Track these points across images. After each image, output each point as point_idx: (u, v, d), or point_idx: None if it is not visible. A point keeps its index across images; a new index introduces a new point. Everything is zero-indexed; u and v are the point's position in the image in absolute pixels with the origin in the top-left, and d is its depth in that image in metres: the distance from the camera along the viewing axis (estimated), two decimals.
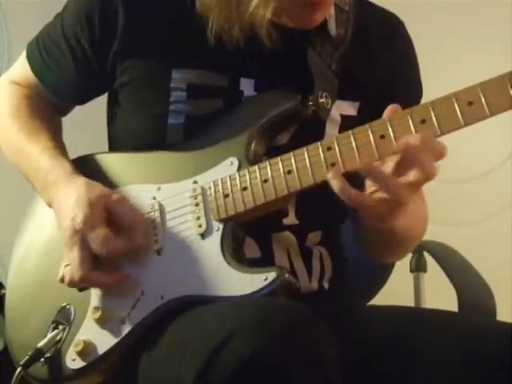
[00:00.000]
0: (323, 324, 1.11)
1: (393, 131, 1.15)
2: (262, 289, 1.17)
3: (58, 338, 1.29)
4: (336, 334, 1.12)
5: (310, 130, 1.33)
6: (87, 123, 2.03)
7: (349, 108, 1.40)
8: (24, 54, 1.52)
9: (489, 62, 2.47)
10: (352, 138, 1.18)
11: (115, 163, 1.40)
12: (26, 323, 1.36)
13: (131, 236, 1.26)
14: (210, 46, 1.33)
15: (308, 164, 1.20)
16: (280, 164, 1.22)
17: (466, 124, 1.12)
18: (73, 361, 1.26)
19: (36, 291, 1.37)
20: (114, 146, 1.48)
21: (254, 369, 1.02)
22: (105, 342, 1.25)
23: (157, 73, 1.36)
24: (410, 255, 1.91)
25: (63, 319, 1.31)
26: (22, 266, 1.42)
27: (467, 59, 2.74)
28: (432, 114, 1.13)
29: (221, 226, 1.24)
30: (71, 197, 1.29)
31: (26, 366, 1.27)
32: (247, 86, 1.35)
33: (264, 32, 1.32)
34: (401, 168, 1.15)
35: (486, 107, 1.10)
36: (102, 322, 1.26)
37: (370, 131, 1.17)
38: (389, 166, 1.16)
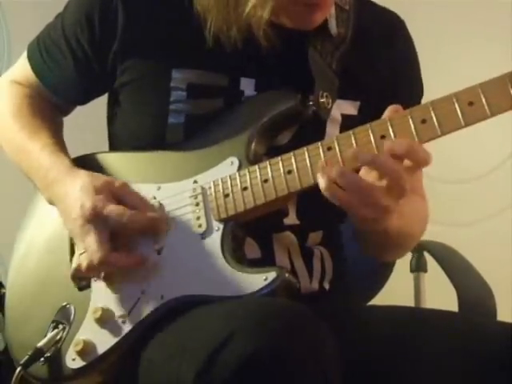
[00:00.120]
0: (323, 324, 1.11)
1: (393, 131, 1.15)
2: (261, 289, 1.17)
3: (58, 337, 1.29)
4: (336, 334, 1.11)
5: (310, 130, 1.33)
6: (87, 123, 2.03)
7: (349, 107, 1.40)
8: (25, 54, 1.52)
9: (489, 61, 2.47)
10: (352, 138, 1.18)
11: (115, 163, 1.40)
12: (26, 322, 1.36)
13: (144, 213, 1.27)
14: (209, 47, 1.33)
15: (308, 164, 1.20)
16: (280, 164, 1.22)
17: (467, 124, 1.12)
18: (73, 360, 1.26)
19: (36, 290, 1.37)
20: (115, 146, 1.48)
21: (253, 369, 1.02)
22: (105, 341, 1.25)
23: (157, 73, 1.36)
24: (409, 255, 1.91)
25: (63, 318, 1.31)
26: (22, 264, 1.42)
27: (468, 59, 2.74)
28: (432, 114, 1.13)
29: (221, 226, 1.24)
30: (75, 188, 1.29)
31: (25, 365, 1.27)
32: (248, 86, 1.35)
33: (261, 33, 1.32)
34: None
35: (486, 107, 1.10)
36: (102, 322, 1.26)
37: (370, 131, 1.16)
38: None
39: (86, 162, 1.41)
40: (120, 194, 1.28)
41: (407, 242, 1.44)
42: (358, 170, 1.17)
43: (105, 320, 1.26)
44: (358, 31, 1.41)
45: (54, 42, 1.46)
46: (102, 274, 1.28)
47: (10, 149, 1.49)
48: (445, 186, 2.65)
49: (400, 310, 1.36)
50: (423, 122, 1.13)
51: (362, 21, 1.43)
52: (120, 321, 1.25)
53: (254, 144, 1.28)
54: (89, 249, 1.25)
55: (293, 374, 1.03)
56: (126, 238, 1.27)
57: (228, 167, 1.27)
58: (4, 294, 1.45)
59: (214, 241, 1.24)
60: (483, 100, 1.10)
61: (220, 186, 1.26)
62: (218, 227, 1.25)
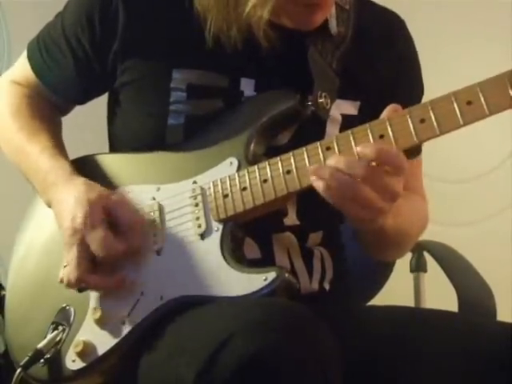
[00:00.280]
0: (323, 324, 1.11)
1: (392, 131, 1.15)
2: (261, 289, 1.17)
3: (58, 338, 1.29)
4: (336, 334, 1.11)
5: (310, 130, 1.33)
6: (87, 123, 2.03)
7: (349, 107, 1.40)
8: (24, 53, 1.52)
9: (489, 61, 2.47)
10: (351, 138, 1.17)
11: (115, 164, 1.40)
12: (26, 324, 1.36)
13: (130, 237, 1.26)
14: (209, 47, 1.33)
15: (307, 164, 1.20)
16: (279, 164, 1.22)
17: (466, 123, 1.11)
18: (73, 362, 1.26)
19: (36, 291, 1.37)
20: (115, 146, 1.48)
21: (254, 369, 1.02)
22: (104, 342, 1.25)
23: (157, 73, 1.36)
24: (409, 255, 1.91)
25: (63, 320, 1.30)
26: (22, 265, 1.42)
27: (468, 59, 2.74)
28: (431, 114, 1.13)
29: (220, 227, 1.24)
30: (71, 197, 1.29)
31: (25, 366, 1.27)
32: (247, 86, 1.35)
33: (261, 33, 1.32)
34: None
35: (485, 106, 1.10)
36: (101, 323, 1.26)
37: (369, 131, 1.16)
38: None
39: (86, 163, 1.41)
40: (112, 211, 1.27)
41: (406, 241, 1.44)
42: None
43: (104, 321, 1.26)
44: (358, 31, 1.41)
45: (54, 41, 1.46)
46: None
47: (8, 149, 1.49)
48: (445, 185, 2.65)
49: (400, 310, 1.36)
50: (422, 121, 1.13)
51: (363, 20, 1.43)
52: (120, 322, 1.25)
53: (253, 144, 1.28)
54: (69, 264, 1.26)
55: (293, 374, 1.03)
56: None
57: (227, 167, 1.27)
58: (4, 295, 1.45)
59: (214, 241, 1.24)
60: (482, 99, 1.10)
61: (219, 187, 1.26)
62: (217, 227, 1.24)
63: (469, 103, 1.11)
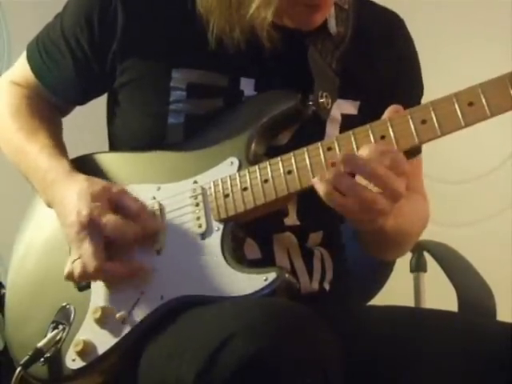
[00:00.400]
0: (324, 324, 1.11)
1: (393, 131, 1.15)
2: (262, 289, 1.17)
3: (58, 337, 1.29)
4: (336, 334, 1.12)
5: (310, 130, 1.33)
6: (87, 123, 2.03)
7: (349, 107, 1.40)
8: (24, 54, 1.52)
9: (489, 61, 2.47)
10: (352, 139, 1.18)
11: (115, 163, 1.40)
12: (26, 323, 1.36)
13: (142, 221, 1.26)
14: (211, 48, 1.33)
15: (308, 164, 1.20)
16: (280, 164, 1.22)
17: (467, 125, 1.11)
18: (73, 361, 1.26)
19: (36, 290, 1.37)
20: (115, 146, 1.48)
21: (254, 369, 1.02)
22: (105, 342, 1.25)
23: (156, 72, 1.36)
24: (409, 255, 1.91)
25: (63, 319, 1.31)
26: (22, 264, 1.42)
27: (468, 59, 2.74)
28: (432, 115, 1.13)
29: (221, 226, 1.24)
30: (73, 193, 1.29)
31: (25, 365, 1.27)
32: (247, 86, 1.35)
33: (265, 34, 1.32)
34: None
35: (486, 108, 1.10)
36: (101, 322, 1.26)
37: (370, 131, 1.16)
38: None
39: (86, 163, 1.41)
40: (117, 201, 1.28)
41: (406, 241, 1.44)
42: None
43: (105, 320, 1.26)
44: (358, 31, 1.41)
45: (54, 42, 1.46)
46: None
47: (8, 149, 1.48)
48: (445, 186, 2.65)
49: (400, 309, 1.36)
50: (423, 122, 1.13)
51: (362, 20, 1.43)
52: (120, 321, 1.25)
53: (253, 144, 1.28)
54: (84, 256, 1.24)
55: (293, 374, 1.03)
56: (123, 242, 1.27)
57: (228, 167, 1.27)
58: (4, 294, 1.45)
59: (214, 241, 1.24)
60: (483, 100, 1.10)
61: (220, 187, 1.26)
62: (217, 227, 1.24)
63: (470, 104, 1.11)
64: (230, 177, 1.26)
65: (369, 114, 1.23)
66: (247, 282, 1.18)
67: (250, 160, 1.27)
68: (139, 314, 1.24)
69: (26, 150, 1.42)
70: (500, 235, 2.73)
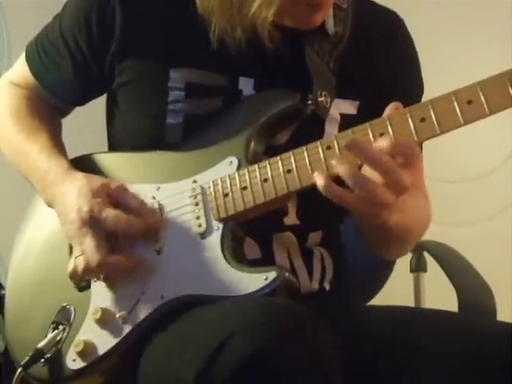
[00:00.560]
0: (324, 324, 1.11)
1: (392, 130, 1.15)
2: (262, 288, 1.17)
3: (59, 338, 1.29)
4: (336, 334, 1.11)
5: (309, 129, 1.33)
6: (86, 124, 2.03)
7: (348, 107, 1.40)
8: (23, 55, 1.52)
9: (489, 61, 2.47)
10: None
11: (114, 163, 1.40)
12: (26, 323, 1.36)
13: (143, 215, 1.27)
14: (211, 47, 1.33)
15: (308, 163, 1.20)
16: (280, 163, 1.22)
17: (466, 123, 1.11)
18: (73, 361, 1.26)
19: (36, 290, 1.37)
20: (114, 146, 1.48)
21: (254, 368, 1.02)
22: (105, 342, 1.25)
23: (155, 73, 1.36)
24: (409, 255, 1.91)
25: (63, 319, 1.30)
26: (22, 265, 1.42)
27: (468, 59, 2.74)
28: (431, 113, 1.13)
29: (221, 226, 1.24)
30: (73, 190, 1.29)
31: (26, 366, 1.27)
32: (246, 85, 1.35)
33: (266, 33, 1.32)
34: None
35: (485, 106, 1.10)
36: (102, 323, 1.26)
37: (369, 130, 1.16)
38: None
39: (85, 163, 1.41)
40: (117, 197, 1.28)
41: (409, 238, 1.43)
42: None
43: (105, 320, 1.26)
44: (357, 30, 1.41)
45: (52, 43, 1.46)
46: (102, 276, 1.28)
47: (8, 150, 1.49)
48: (445, 186, 2.65)
49: (400, 310, 1.36)
50: (422, 120, 1.13)
51: (361, 20, 1.42)
52: (120, 321, 1.25)
53: (252, 143, 1.28)
54: (86, 251, 1.25)
55: (293, 373, 1.03)
56: (125, 238, 1.27)
57: (227, 167, 1.27)
58: (4, 295, 1.45)
59: (214, 240, 1.24)
60: (482, 98, 1.10)
61: (219, 186, 1.26)
62: (217, 227, 1.24)
63: (469, 102, 1.11)
64: (229, 176, 1.26)
65: (368, 113, 1.23)
66: (247, 281, 1.18)
67: (249, 159, 1.27)
68: (140, 314, 1.24)
69: (26, 150, 1.42)
70: (500, 235, 2.73)
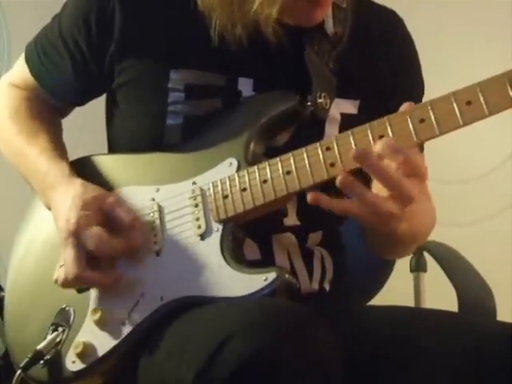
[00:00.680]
0: (324, 324, 1.11)
1: (392, 131, 1.15)
2: (262, 289, 1.17)
3: (58, 339, 1.29)
4: (336, 334, 1.11)
5: (308, 130, 1.32)
6: (86, 124, 2.03)
7: (349, 106, 1.40)
8: (23, 56, 1.52)
9: (489, 61, 2.47)
10: (351, 138, 1.17)
11: (114, 165, 1.40)
12: (26, 325, 1.35)
13: (130, 236, 1.26)
14: (210, 46, 1.33)
15: (307, 164, 1.20)
16: (279, 164, 1.22)
17: (465, 123, 1.11)
18: (73, 363, 1.25)
19: (35, 292, 1.37)
20: (113, 147, 1.48)
21: (253, 369, 1.02)
22: (105, 343, 1.24)
23: (155, 73, 1.36)
24: (409, 255, 1.91)
25: (63, 321, 1.30)
26: (21, 266, 1.42)
27: (468, 59, 2.74)
28: (431, 114, 1.13)
29: (220, 227, 1.24)
30: (67, 198, 1.29)
31: (25, 368, 1.27)
32: (245, 86, 1.35)
33: (270, 30, 1.31)
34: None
35: (484, 107, 1.10)
36: (101, 324, 1.26)
37: (369, 131, 1.16)
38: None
39: (85, 165, 1.41)
40: (109, 211, 1.28)
41: (414, 242, 1.42)
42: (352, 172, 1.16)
43: (104, 322, 1.26)
44: (357, 30, 1.41)
45: (52, 43, 1.46)
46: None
47: (8, 151, 1.49)
48: (445, 186, 2.64)
49: (400, 310, 1.35)
50: (422, 121, 1.13)
51: (361, 19, 1.42)
52: (120, 322, 1.25)
53: (252, 145, 1.28)
54: (66, 263, 1.25)
55: (293, 374, 1.03)
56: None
57: (227, 168, 1.27)
58: (3, 297, 1.44)
59: (214, 241, 1.24)
60: (481, 99, 1.10)
61: (219, 187, 1.26)
62: (217, 228, 1.24)
63: (468, 103, 1.11)
64: (228, 177, 1.26)
65: (369, 113, 1.23)
66: (247, 282, 1.18)
67: (249, 161, 1.27)
68: (139, 316, 1.24)
69: (25, 152, 1.42)
70: (500, 235, 2.73)
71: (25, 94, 1.51)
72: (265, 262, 1.31)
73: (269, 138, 1.31)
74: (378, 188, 1.15)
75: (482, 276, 1.71)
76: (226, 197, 1.25)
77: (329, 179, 1.17)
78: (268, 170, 1.23)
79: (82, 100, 1.52)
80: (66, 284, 1.27)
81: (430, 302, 1.89)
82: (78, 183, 1.32)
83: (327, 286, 1.42)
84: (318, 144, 1.20)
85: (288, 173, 1.21)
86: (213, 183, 1.27)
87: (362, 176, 1.14)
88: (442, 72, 2.49)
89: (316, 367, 1.05)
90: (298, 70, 1.35)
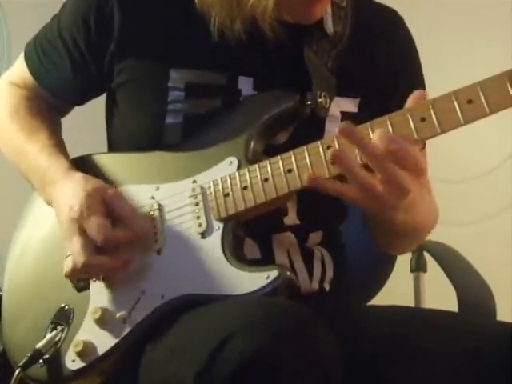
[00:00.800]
0: (324, 324, 1.11)
1: (393, 130, 1.15)
2: (263, 287, 1.17)
3: (57, 338, 1.29)
4: (336, 334, 1.11)
5: (309, 129, 1.33)
6: (86, 123, 2.03)
7: (349, 105, 1.40)
8: (22, 55, 1.52)
9: (489, 61, 2.46)
10: None
11: (113, 163, 1.40)
12: (24, 324, 1.35)
13: (133, 225, 1.26)
14: (210, 44, 1.33)
15: (308, 162, 1.19)
16: (280, 163, 1.22)
17: (466, 122, 1.11)
18: (72, 361, 1.25)
19: (33, 291, 1.37)
20: (113, 146, 1.48)
21: (254, 368, 1.02)
22: (105, 342, 1.24)
23: (154, 72, 1.36)
24: (409, 255, 1.91)
25: (62, 320, 1.30)
26: (19, 265, 1.42)
27: (467, 58, 2.74)
28: (432, 112, 1.13)
29: (221, 225, 1.24)
30: (68, 190, 1.29)
31: (24, 367, 1.27)
32: (245, 85, 1.35)
33: (267, 24, 1.31)
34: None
35: (485, 105, 1.10)
36: (101, 323, 1.26)
37: (369, 129, 1.16)
38: None
39: (85, 163, 1.41)
40: (110, 203, 1.28)
41: (415, 235, 1.41)
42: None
43: (105, 321, 1.26)
44: (357, 28, 1.41)
45: (51, 43, 1.46)
46: (101, 276, 1.28)
47: (8, 149, 1.49)
48: (445, 185, 2.64)
49: (400, 310, 1.35)
50: (422, 120, 1.13)
51: (361, 18, 1.42)
52: (120, 321, 1.25)
53: (252, 144, 1.28)
54: (73, 251, 1.25)
55: (293, 374, 1.03)
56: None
57: (227, 167, 1.27)
58: (1, 296, 1.44)
59: (215, 240, 1.24)
60: (482, 98, 1.10)
61: (220, 186, 1.26)
62: (218, 226, 1.24)
63: (469, 102, 1.11)
64: (229, 176, 1.25)
65: (369, 111, 1.23)
66: (249, 281, 1.18)
67: (249, 159, 1.27)
68: (140, 314, 1.24)
69: (26, 150, 1.42)
70: (500, 235, 2.73)
71: (24, 92, 1.51)
72: (265, 261, 1.31)
73: (269, 136, 1.31)
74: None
75: (481, 276, 1.71)
76: (226, 195, 1.25)
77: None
78: (269, 169, 1.23)
79: (81, 99, 1.52)
80: (76, 273, 1.26)
81: (430, 302, 1.89)
82: (78, 176, 1.32)
83: (327, 286, 1.42)
84: (319, 142, 1.20)
85: (289, 171, 1.21)
86: (213, 181, 1.27)
87: None
88: (443, 72, 2.49)
89: (316, 367, 1.05)
90: (297, 69, 1.35)
